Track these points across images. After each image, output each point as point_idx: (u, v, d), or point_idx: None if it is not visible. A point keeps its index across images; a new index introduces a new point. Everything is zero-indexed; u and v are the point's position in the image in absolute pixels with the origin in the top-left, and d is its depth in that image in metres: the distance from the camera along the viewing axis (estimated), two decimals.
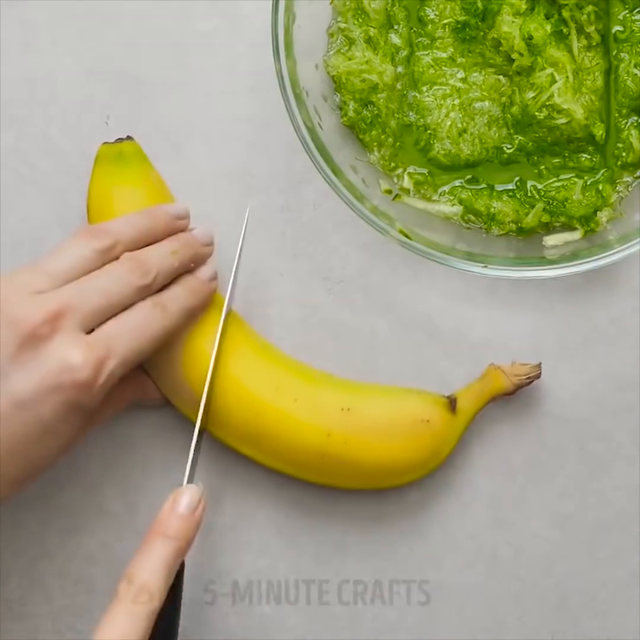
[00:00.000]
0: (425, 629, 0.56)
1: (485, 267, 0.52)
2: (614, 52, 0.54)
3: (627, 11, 0.54)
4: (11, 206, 0.57)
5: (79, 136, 0.56)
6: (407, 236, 0.52)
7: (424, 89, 0.55)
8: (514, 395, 0.54)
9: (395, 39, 0.54)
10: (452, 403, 0.53)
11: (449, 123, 0.54)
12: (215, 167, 0.57)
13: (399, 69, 0.55)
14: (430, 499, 0.56)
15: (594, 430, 0.56)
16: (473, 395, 0.54)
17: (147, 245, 0.50)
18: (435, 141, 0.55)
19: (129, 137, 0.54)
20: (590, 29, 0.54)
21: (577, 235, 0.55)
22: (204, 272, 0.52)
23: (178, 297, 0.50)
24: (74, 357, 0.45)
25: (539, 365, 0.54)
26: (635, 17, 0.54)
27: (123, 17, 0.57)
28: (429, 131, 0.55)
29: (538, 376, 0.54)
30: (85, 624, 0.55)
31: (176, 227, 0.52)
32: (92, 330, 0.47)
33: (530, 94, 0.53)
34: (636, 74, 0.54)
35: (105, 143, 0.54)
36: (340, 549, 0.56)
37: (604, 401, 0.56)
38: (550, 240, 0.55)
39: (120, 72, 0.57)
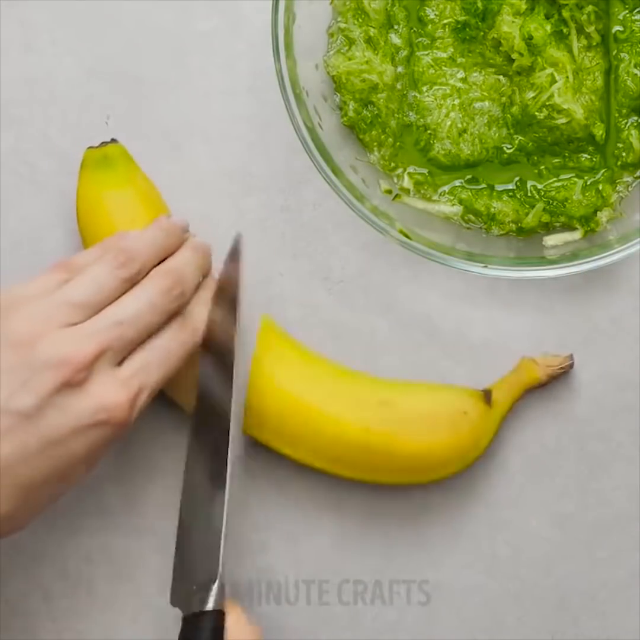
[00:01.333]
0: (425, 629, 0.56)
1: (486, 267, 0.52)
2: (614, 52, 0.54)
3: (627, 11, 0.54)
4: (11, 206, 0.57)
5: (79, 136, 0.56)
6: (407, 236, 0.52)
7: (424, 89, 0.55)
8: (547, 387, 0.55)
9: (395, 39, 0.54)
10: (487, 395, 0.53)
11: (449, 123, 0.54)
12: (214, 167, 0.57)
13: (399, 69, 0.55)
14: (430, 499, 0.56)
15: (594, 430, 0.56)
16: (507, 387, 0.54)
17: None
18: (435, 141, 0.55)
19: (113, 140, 0.54)
20: (590, 29, 0.54)
21: (577, 235, 0.54)
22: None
23: (202, 312, 0.50)
24: (111, 398, 0.45)
25: (570, 356, 0.55)
26: (635, 17, 0.54)
27: (123, 17, 0.57)
28: (429, 131, 0.55)
29: (571, 366, 0.55)
30: (85, 624, 0.55)
31: (183, 240, 0.52)
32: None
33: (531, 94, 0.53)
34: (636, 74, 0.54)
35: (89, 148, 0.54)
36: (340, 549, 0.56)
37: (604, 401, 0.56)
38: (551, 240, 0.54)
39: (120, 72, 0.57)
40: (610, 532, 0.56)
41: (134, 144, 0.56)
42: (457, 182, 0.55)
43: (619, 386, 0.56)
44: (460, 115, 0.55)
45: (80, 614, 0.56)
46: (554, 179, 0.55)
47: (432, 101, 0.55)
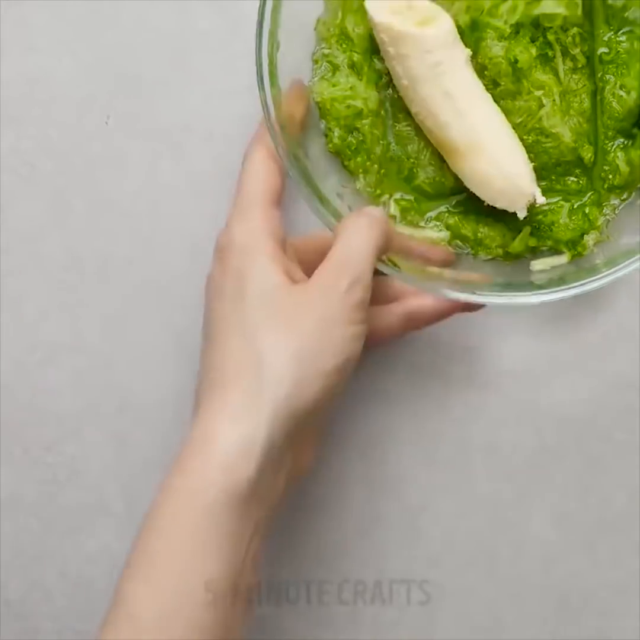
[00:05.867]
0: (425, 629, 0.56)
1: (474, 293, 0.50)
2: (600, 74, 0.53)
3: (612, 33, 0.53)
4: (11, 206, 0.57)
5: (79, 136, 0.56)
6: (395, 264, 0.50)
7: (404, 116, 0.54)
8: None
9: (379, 64, 0.53)
10: None
11: (431, 150, 0.53)
12: (215, 167, 0.57)
13: (384, 94, 0.54)
14: (430, 499, 0.56)
15: (594, 430, 0.56)
16: None
17: None
18: (418, 170, 0.54)
19: None
20: (576, 51, 0.53)
21: (564, 259, 0.54)
22: None
23: None
24: None
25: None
26: (620, 39, 0.53)
27: (123, 17, 0.57)
28: (411, 160, 0.54)
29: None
30: (85, 624, 0.55)
31: None
32: None
33: (518, 119, 0.52)
34: (621, 96, 0.53)
35: None
36: (340, 549, 0.56)
37: (604, 401, 0.56)
38: (538, 264, 0.53)
39: (120, 72, 0.57)
40: (610, 532, 0.56)
41: (134, 144, 0.56)
42: (443, 208, 0.54)
43: (619, 386, 0.56)
44: None
45: (80, 614, 0.56)
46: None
47: (413, 129, 0.54)
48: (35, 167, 0.57)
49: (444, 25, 0.51)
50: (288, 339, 0.44)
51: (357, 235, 0.47)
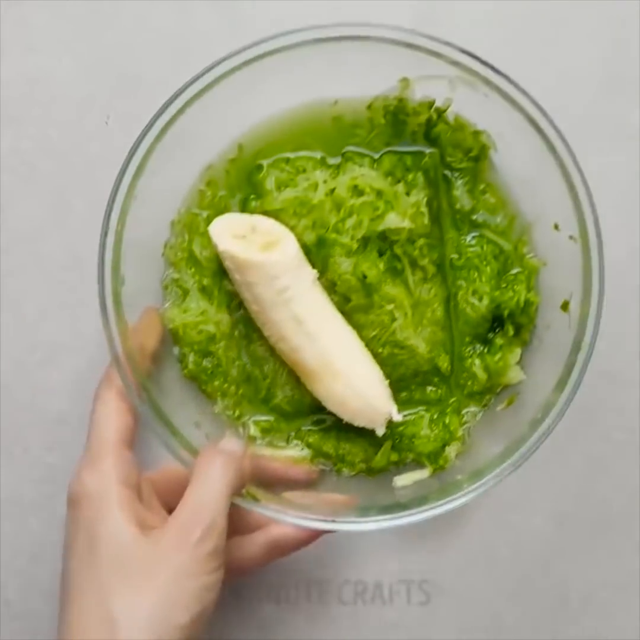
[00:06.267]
0: (425, 629, 0.56)
1: (333, 521, 0.49)
2: (451, 279, 0.53)
3: (462, 237, 0.53)
4: (11, 206, 0.57)
5: (79, 136, 0.56)
6: (255, 497, 0.49)
7: (257, 335, 0.53)
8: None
9: (229, 285, 0.52)
10: None
11: (287, 369, 0.52)
12: None
13: (236, 314, 0.53)
14: None
15: (594, 431, 0.56)
16: None
17: None
18: (275, 389, 0.53)
19: None
20: (424, 262, 0.52)
21: (425, 473, 0.53)
22: None
23: None
24: None
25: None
26: (470, 242, 0.53)
27: (123, 17, 0.57)
28: (267, 380, 0.53)
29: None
30: None
31: None
32: None
33: (372, 333, 0.51)
34: (474, 303, 0.52)
35: None
36: (340, 549, 0.56)
37: (604, 400, 0.56)
38: (400, 480, 0.52)
39: (120, 72, 0.57)
40: (610, 532, 0.56)
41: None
42: (303, 426, 0.53)
43: (619, 386, 0.56)
44: None
45: None
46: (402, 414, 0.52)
47: (266, 350, 0.53)
48: (35, 167, 0.57)
49: (289, 249, 0.50)
50: (141, 599, 0.43)
51: (210, 480, 0.46)
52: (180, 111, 0.49)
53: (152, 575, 0.44)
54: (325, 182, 0.52)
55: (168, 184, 0.51)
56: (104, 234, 0.48)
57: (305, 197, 0.51)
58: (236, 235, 0.50)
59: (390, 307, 0.51)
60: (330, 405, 0.51)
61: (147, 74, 0.57)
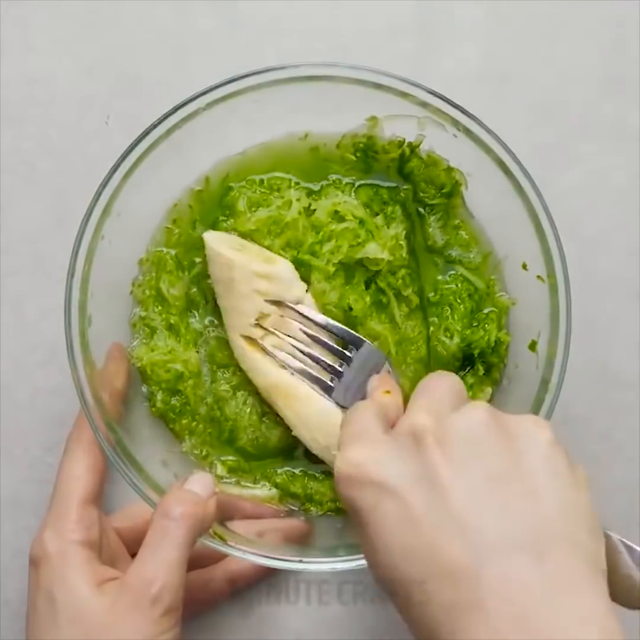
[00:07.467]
0: None
1: (300, 561, 0.49)
2: (427, 316, 0.52)
3: (438, 274, 0.52)
4: (11, 206, 0.57)
5: (79, 136, 0.56)
6: (222, 537, 0.49)
7: (220, 374, 0.53)
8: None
9: (196, 323, 0.52)
10: None
11: (248, 410, 0.52)
12: None
13: (203, 351, 0.53)
14: None
15: (594, 430, 0.56)
16: None
17: None
18: (239, 431, 0.53)
19: None
20: (408, 292, 0.52)
21: None
22: None
23: None
24: None
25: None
26: (445, 280, 0.52)
27: (123, 17, 0.57)
28: (230, 422, 0.53)
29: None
30: None
31: None
32: None
33: None
34: (444, 341, 0.52)
35: None
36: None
37: (604, 401, 0.56)
38: None
39: (120, 72, 0.57)
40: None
41: None
42: (270, 467, 0.53)
43: (619, 386, 0.56)
44: (259, 400, 0.52)
45: None
46: None
47: (228, 390, 0.53)
48: (35, 167, 0.57)
49: (286, 264, 0.50)
50: None
51: (166, 537, 0.46)
52: (147, 151, 0.49)
53: (111, 634, 0.44)
54: (298, 200, 0.51)
55: (135, 223, 0.51)
56: (71, 275, 0.48)
57: (278, 216, 0.51)
58: (231, 248, 0.50)
59: (375, 343, 0.51)
60: (293, 426, 0.51)
61: (147, 74, 0.57)
